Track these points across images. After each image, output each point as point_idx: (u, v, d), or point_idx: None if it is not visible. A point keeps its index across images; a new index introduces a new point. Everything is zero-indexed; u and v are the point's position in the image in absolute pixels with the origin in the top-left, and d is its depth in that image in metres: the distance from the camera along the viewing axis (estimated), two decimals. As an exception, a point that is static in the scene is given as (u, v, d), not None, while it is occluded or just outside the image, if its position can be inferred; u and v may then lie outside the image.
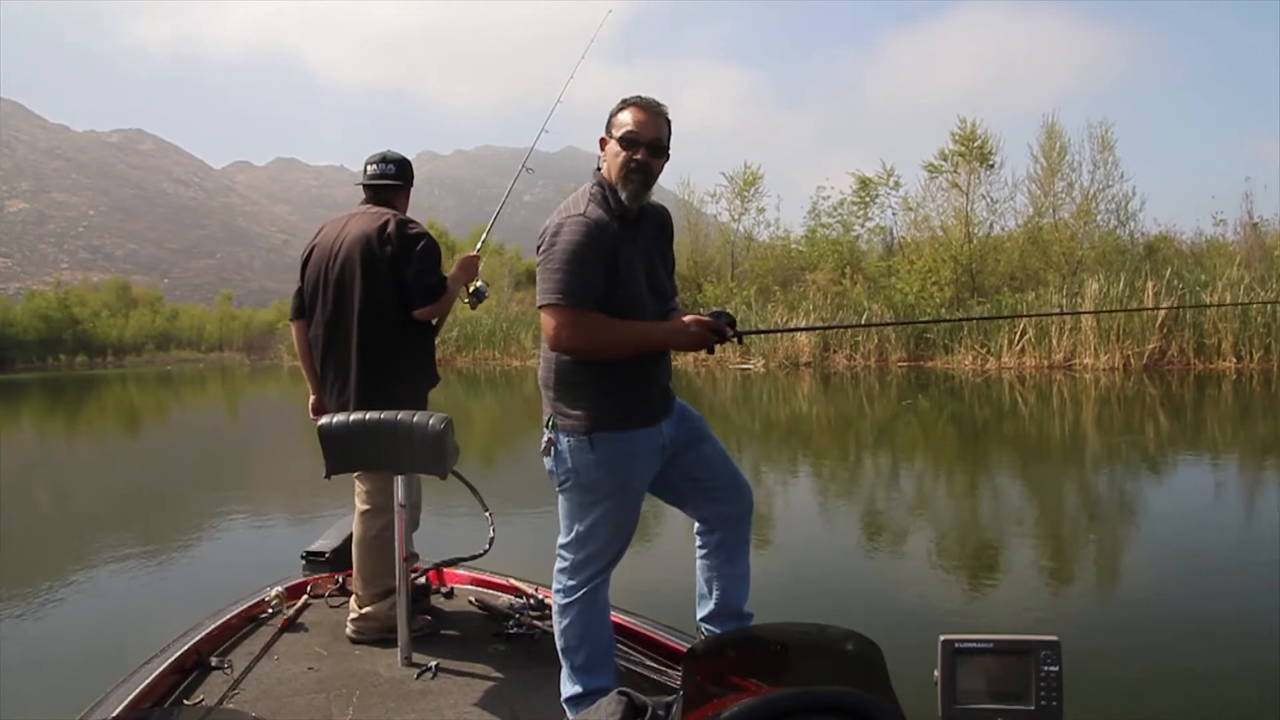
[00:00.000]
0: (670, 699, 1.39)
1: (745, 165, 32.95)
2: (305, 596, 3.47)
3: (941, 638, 1.33)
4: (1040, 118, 27.69)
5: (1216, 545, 6.00)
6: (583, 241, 2.28)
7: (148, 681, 2.53)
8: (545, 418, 2.43)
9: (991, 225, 26.66)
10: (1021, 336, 20.10)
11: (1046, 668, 1.31)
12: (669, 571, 5.25)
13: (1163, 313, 17.76)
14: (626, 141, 2.38)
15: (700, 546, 2.65)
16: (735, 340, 2.49)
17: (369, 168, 3.36)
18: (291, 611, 3.33)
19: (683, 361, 23.32)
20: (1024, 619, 4.36)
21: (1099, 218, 25.25)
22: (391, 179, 3.35)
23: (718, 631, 2.56)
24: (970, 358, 21.33)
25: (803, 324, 22.72)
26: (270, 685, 2.75)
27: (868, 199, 29.08)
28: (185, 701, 2.59)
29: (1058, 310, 20.11)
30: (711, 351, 2.53)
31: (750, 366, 24.10)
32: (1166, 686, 3.63)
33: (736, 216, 32.68)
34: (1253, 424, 12.02)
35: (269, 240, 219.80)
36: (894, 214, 29.12)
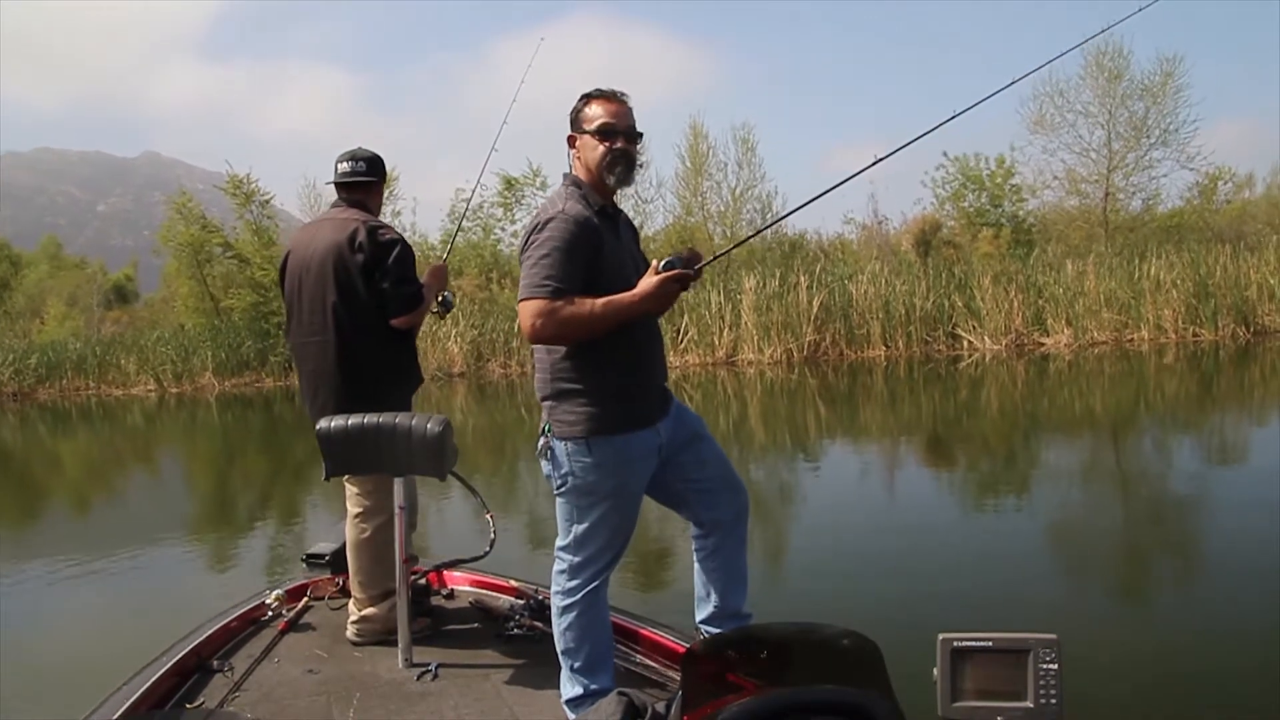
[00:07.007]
0: (670, 699, 1.39)
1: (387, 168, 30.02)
2: (306, 599, 3.46)
3: (940, 636, 1.33)
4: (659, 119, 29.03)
5: (1217, 542, 6.00)
6: (562, 236, 2.29)
7: (148, 684, 2.54)
8: (542, 424, 2.44)
9: (642, 224, 26.75)
10: (684, 335, 20.36)
11: (1045, 666, 1.31)
12: (668, 572, 5.26)
13: (816, 306, 18.87)
14: (604, 132, 2.42)
15: (697, 550, 2.65)
16: (695, 276, 2.36)
17: (340, 165, 3.31)
18: (292, 614, 3.33)
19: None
20: (1024, 617, 4.35)
21: (745, 216, 26.00)
22: (363, 176, 3.32)
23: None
24: (633, 359, 21.52)
25: (454, 331, 21.35)
26: (271, 688, 2.75)
27: (512, 200, 27.30)
28: (186, 705, 2.59)
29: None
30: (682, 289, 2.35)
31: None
32: (1167, 685, 3.63)
33: (373, 221, 30.05)
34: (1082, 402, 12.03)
35: None
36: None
